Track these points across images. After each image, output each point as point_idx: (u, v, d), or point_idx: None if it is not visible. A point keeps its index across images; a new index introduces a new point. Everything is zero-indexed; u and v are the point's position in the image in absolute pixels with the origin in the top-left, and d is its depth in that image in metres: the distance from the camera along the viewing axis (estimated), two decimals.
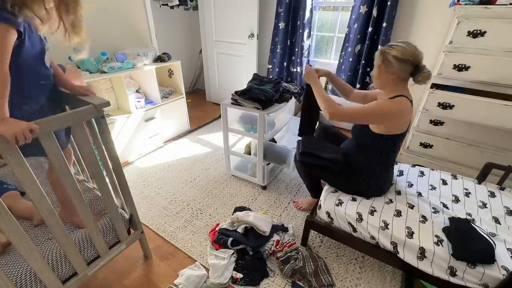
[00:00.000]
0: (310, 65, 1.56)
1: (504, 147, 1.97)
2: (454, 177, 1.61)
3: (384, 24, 2.35)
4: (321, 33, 3.14)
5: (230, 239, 1.57)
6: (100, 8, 2.31)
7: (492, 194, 1.46)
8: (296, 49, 2.97)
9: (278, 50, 3.07)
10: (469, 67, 1.84)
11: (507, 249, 1.13)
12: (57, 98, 1.13)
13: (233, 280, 1.42)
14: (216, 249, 1.58)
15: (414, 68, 1.21)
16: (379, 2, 2.31)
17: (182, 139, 2.92)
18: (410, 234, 1.21)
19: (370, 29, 2.43)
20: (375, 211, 1.34)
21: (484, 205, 1.40)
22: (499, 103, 1.76)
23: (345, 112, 1.31)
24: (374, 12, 2.36)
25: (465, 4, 1.75)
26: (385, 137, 1.32)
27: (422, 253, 1.16)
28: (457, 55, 1.86)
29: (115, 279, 1.45)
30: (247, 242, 1.55)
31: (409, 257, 1.20)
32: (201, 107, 3.77)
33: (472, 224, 1.20)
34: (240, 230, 1.61)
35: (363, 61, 2.58)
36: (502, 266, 1.05)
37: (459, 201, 1.43)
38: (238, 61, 3.37)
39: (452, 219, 1.23)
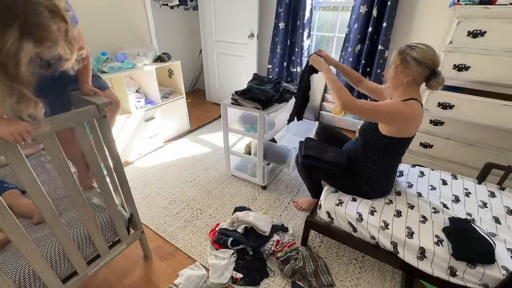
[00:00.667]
0: (316, 53, 1.48)
1: (504, 147, 1.97)
2: (454, 177, 1.61)
3: (384, 24, 2.35)
4: (321, 33, 3.14)
5: (230, 239, 1.57)
6: (100, 8, 2.31)
7: (492, 194, 1.46)
8: (296, 49, 2.98)
9: (278, 50, 3.07)
10: (469, 67, 1.84)
11: (507, 249, 1.13)
12: None
13: (233, 280, 1.42)
14: (216, 249, 1.58)
15: (431, 73, 1.18)
16: (379, 2, 2.31)
17: (182, 139, 2.92)
18: (410, 234, 1.21)
19: (370, 29, 2.43)
20: (375, 211, 1.34)
21: (484, 205, 1.40)
22: (499, 103, 1.76)
23: (359, 105, 1.23)
24: (374, 12, 2.36)
25: (465, 4, 1.75)
26: (394, 140, 1.29)
27: (422, 253, 1.16)
28: (457, 55, 1.86)
29: (115, 279, 1.45)
30: (247, 242, 1.55)
31: (409, 257, 1.20)
32: (201, 107, 3.77)
33: (472, 224, 1.20)
34: (240, 230, 1.61)
35: (363, 61, 2.58)
36: (502, 266, 1.05)
37: (459, 201, 1.43)
38: (238, 61, 3.37)
39: (452, 219, 1.23)
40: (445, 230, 1.20)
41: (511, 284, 1.00)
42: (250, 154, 2.20)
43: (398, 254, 1.23)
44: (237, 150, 2.19)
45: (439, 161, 2.24)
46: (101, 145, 1.11)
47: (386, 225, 1.26)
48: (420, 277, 1.24)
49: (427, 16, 2.33)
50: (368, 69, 2.62)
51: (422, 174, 1.64)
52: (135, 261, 1.54)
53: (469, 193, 1.48)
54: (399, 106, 1.23)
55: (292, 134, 2.52)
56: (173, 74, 2.85)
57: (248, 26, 3.05)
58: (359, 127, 1.51)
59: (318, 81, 3.16)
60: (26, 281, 1.00)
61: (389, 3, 2.28)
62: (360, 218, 1.32)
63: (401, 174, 1.65)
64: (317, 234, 1.70)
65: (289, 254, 1.51)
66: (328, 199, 1.45)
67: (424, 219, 1.27)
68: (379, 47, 2.45)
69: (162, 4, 3.25)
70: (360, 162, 1.44)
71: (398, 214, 1.31)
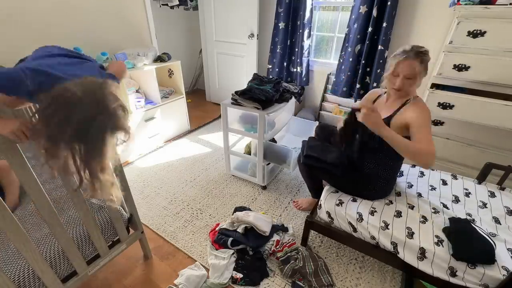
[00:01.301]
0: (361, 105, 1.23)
1: (504, 147, 1.97)
2: (454, 177, 1.61)
3: (384, 24, 2.35)
4: (321, 33, 3.14)
5: (230, 239, 1.57)
6: (100, 8, 2.31)
7: (492, 194, 1.46)
8: (296, 49, 2.97)
9: (278, 50, 3.07)
10: (469, 67, 1.84)
11: (507, 249, 1.13)
12: None
13: (233, 280, 1.42)
14: (216, 249, 1.58)
15: None
16: (379, 2, 2.31)
17: (182, 139, 2.92)
18: (410, 235, 1.21)
19: (370, 29, 2.43)
20: (375, 211, 1.34)
21: (484, 205, 1.40)
22: (499, 103, 1.76)
23: (432, 146, 1.11)
24: (374, 12, 2.36)
25: (465, 4, 1.74)
26: None
27: (422, 253, 1.16)
28: (457, 55, 1.85)
29: (115, 279, 1.45)
30: (247, 242, 1.55)
31: (409, 257, 1.20)
32: (201, 107, 3.77)
33: (472, 225, 1.20)
34: (240, 230, 1.61)
35: (363, 61, 2.58)
36: (502, 267, 1.05)
37: (459, 201, 1.43)
38: (238, 61, 3.37)
39: (452, 219, 1.23)
40: (445, 230, 1.20)
41: (511, 285, 1.00)
42: (250, 154, 2.20)
43: (398, 254, 1.23)
44: (237, 150, 2.19)
45: (439, 161, 2.24)
46: None
47: (386, 225, 1.26)
48: (420, 277, 1.24)
49: (427, 16, 2.33)
50: (368, 69, 2.62)
51: (422, 174, 1.64)
52: (135, 261, 1.54)
53: (469, 193, 1.48)
54: (426, 109, 1.22)
55: (292, 134, 2.52)
56: (173, 74, 2.85)
57: (248, 26, 3.05)
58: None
59: (318, 81, 3.16)
60: (26, 281, 1.00)
61: (389, 3, 2.28)
62: (360, 218, 1.32)
63: (401, 174, 1.65)
64: (317, 234, 1.70)
65: (289, 254, 1.51)
66: (328, 199, 1.45)
67: (424, 220, 1.27)
68: (379, 47, 2.44)
69: (162, 4, 3.24)
70: (363, 163, 1.43)
71: (398, 214, 1.31)
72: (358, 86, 2.68)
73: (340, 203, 1.41)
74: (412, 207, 1.35)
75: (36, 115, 0.71)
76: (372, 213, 1.33)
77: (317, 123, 2.33)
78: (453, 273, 1.11)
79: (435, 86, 2.01)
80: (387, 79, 1.29)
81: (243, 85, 2.10)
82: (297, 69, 3.06)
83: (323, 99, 3.12)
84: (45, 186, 1.44)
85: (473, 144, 2.06)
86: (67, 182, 1.00)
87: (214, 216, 1.86)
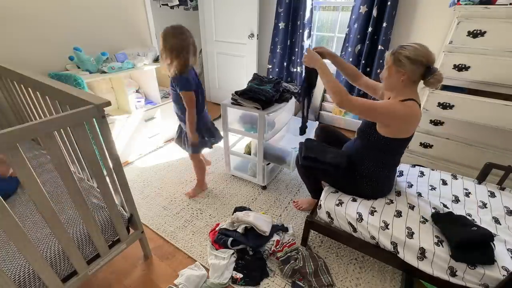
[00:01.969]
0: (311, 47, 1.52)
1: (504, 147, 1.97)
2: (454, 177, 1.61)
3: (384, 24, 2.35)
4: (321, 33, 3.14)
5: (230, 239, 1.57)
6: (100, 8, 2.31)
7: (492, 194, 1.46)
8: (296, 49, 2.98)
9: (278, 50, 3.07)
10: (469, 67, 1.84)
11: (507, 249, 1.13)
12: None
13: (233, 280, 1.42)
14: (216, 249, 1.58)
15: (426, 69, 1.17)
16: (379, 2, 2.31)
17: None
18: (410, 235, 1.21)
19: (370, 29, 2.43)
20: (375, 211, 1.34)
21: (484, 205, 1.40)
22: (499, 103, 1.76)
23: (356, 103, 1.23)
24: (374, 12, 2.36)
25: (465, 4, 1.74)
26: (392, 140, 1.29)
27: (422, 253, 1.16)
28: (457, 55, 1.86)
29: (115, 278, 1.45)
30: (247, 242, 1.55)
31: (409, 257, 1.20)
32: None
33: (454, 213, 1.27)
34: (240, 230, 1.61)
35: (363, 61, 2.58)
36: (502, 267, 1.05)
37: (459, 201, 1.43)
38: (238, 61, 3.37)
39: (436, 215, 1.27)
40: (433, 216, 1.25)
41: (511, 285, 1.00)
42: (250, 154, 2.20)
43: (398, 254, 1.23)
44: (237, 150, 2.19)
45: (439, 161, 2.24)
46: (100, 145, 1.11)
47: (386, 225, 1.26)
48: (420, 277, 1.24)
49: (427, 16, 2.33)
50: (368, 69, 2.62)
51: (422, 174, 1.64)
52: (135, 261, 1.54)
53: (469, 193, 1.48)
54: (396, 106, 1.23)
55: (292, 134, 2.52)
56: None
57: (248, 26, 3.05)
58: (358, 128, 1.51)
59: (318, 81, 3.16)
60: (26, 280, 1.00)
61: (389, 3, 2.28)
62: (360, 218, 1.32)
63: (401, 174, 1.65)
64: (317, 234, 1.70)
65: (289, 254, 1.51)
66: (328, 199, 1.45)
67: (424, 220, 1.27)
68: (379, 47, 2.45)
69: (162, 4, 3.25)
70: (359, 163, 1.44)
71: (398, 214, 1.31)
72: None
73: (340, 203, 1.41)
74: (412, 207, 1.35)
75: None
76: (372, 213, 1.33)
77: (317, 123, 2.33)
78: (453, 273, 1.11)
79: None
80: None
81: (243, 85, 2.10)
82: (297, 69, 3.06)
83: (323, 99, 3.13)
84: (45, 186, 1.44)
85: (473, 144, 2.06)
86: (67, 182, 1.00)
87: (214, 216, 1.86)
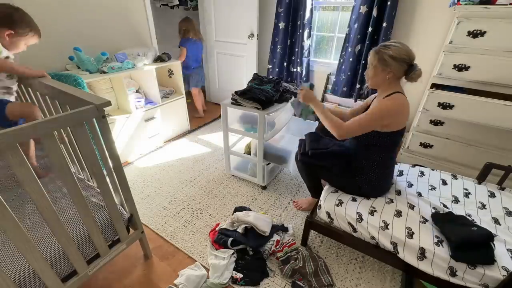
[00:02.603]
0: (303, 84, 1.56)
1: (504, 147, 1.97)
2: (454, 177, 1.61)
3: (384, 24, 2.35)
4: (321, 33, 3.14)
5: (230, 239, 1.57)
6: (100, 8, 2.31)
7: (492, 194, 1.46)
8: (296, 49, 2.98)
9: (278, 50, 3.07)
10: (469, 67, 1.84)
11: (507, 249, 1.13)
12: None
13: (233, 280, 1.42)
14: (216, 249, 1.58)
15: (408, 66, 1.26)
16: (379, 2, 2.32)
17: (182, 139, 2.92)
18: (410, 234, 1.21)
19: (370, 29, 2.43)
20: (375, 211, 1.34)
21: (484, 206, 1.40)
22: (499, 103, 1.76)
23: (352, 128, 1.32)
24: (374, 12, 2.36)
25: (465, 4, 1.75)
26: (386, 134, 1.33)
27: (422, 253, 1.16)
28: (457, 55, 1.86)
29: (115, 278, 1.45)
30: (247, 242, 1.55)
31: (409, 257, 1.20)
32: None
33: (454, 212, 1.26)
34: (240, 230, 1.61)
35: (363, 61, 2.58)
36: (502, 267, 1.05)
37: (459, 201, 1.43)
38: (238, 61, 3.37)
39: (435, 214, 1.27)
40: (433, 216, 1.26)
41: (511, 285, 1.00)
42: (250, 154, 2.20)
43: (398, 254, 1.23)
44: (237, 150, 2.19)
45: (439, 161, 2.24)
46: (100, 145, 1.11)
47: (386, 225, 1.26)
48: (420, 277, 1.24)
49: (427, 16, 2.33)
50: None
51: (422, 174, 1.64)
52: (135, 261, 1.54)
53: (469, 193, 1.48)
54: (385, 104, 1.30)
55: (292, 134, 2.52)
56: (173, 74, 2.85)
57: (248, 26, 3.05)
58: None
59: (318, 81, 3.16)
60: (26, 280, 1.00)
61: (389, 3, 2.28)
62: (360, 218, 1.32)
63: (401, 173, 1.65)
64: (317, 234, 1.70)
65: (289, 254, 1.51)
66: (328, 199, 1.45)
67: (424, 220, 1.27)
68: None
69: (162, 4, 3.25)
70: (357, 161, 1.45)
71: (398, 214, 1.31)
72: (358, 86, 2.68)
73: (340, 203, 1.41)
74: (412, 207, 1.35)
75: None
76: (372, 213, 1.33)
77: (317, 123, 2.33)
78: (453, 273, 1.11)
79: (435, 86, 2.01)
80: None
81: (243, 85, 2.10)
82: (297, 69, 3.06)
83: (323, 99, 3.13)
84: (46, 185, 1.44)
85: (473, 144, 2.06)
86: (68, 181, 1.00)
87: (214, 216, 1.87)
